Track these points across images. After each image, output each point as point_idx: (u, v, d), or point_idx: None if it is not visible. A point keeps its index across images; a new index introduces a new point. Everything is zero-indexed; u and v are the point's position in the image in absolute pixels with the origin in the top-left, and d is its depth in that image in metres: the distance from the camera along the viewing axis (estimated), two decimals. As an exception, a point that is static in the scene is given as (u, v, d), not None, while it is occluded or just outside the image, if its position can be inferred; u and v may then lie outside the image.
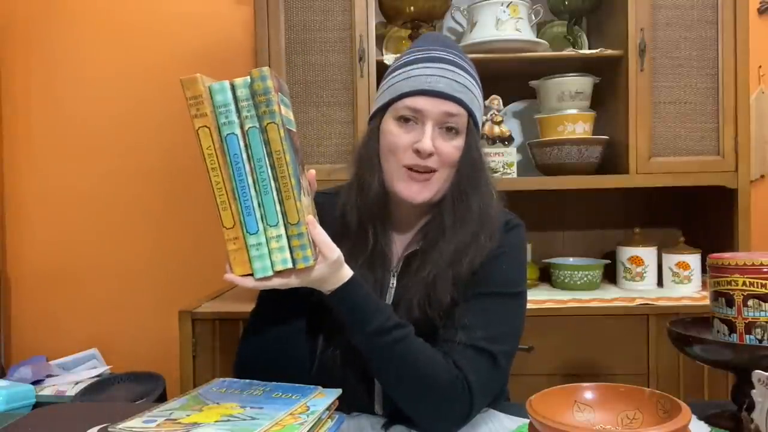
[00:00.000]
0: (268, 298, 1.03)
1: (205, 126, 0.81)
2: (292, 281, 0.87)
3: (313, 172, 0.97)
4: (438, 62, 1.02)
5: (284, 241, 0.84)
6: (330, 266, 0.88)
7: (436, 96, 1.00)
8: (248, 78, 0.82)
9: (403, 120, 1.01)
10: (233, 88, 0.82)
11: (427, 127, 0.99)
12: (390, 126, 1.02)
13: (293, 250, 0.84)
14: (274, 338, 1.01)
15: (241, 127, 0.83)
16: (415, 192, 1.01)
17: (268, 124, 0.82)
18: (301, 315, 1.01)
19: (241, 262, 0.84)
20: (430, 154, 0.99)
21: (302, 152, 0.98)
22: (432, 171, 1.01)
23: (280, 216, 0.83)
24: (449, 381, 0.92)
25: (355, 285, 0.93)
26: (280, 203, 0.83)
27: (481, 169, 1.05)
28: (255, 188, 0.83)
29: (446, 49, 1.05)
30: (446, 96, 1.00)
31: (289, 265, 0.84)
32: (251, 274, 0.85)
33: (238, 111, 0.82)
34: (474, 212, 1.02)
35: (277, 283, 0.86)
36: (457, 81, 1.01)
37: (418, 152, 0.99)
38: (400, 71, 1.04)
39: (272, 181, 0.83)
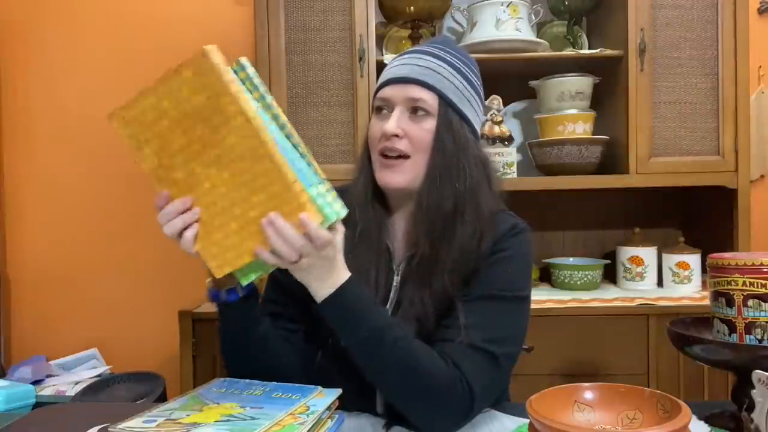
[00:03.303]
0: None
1: (241, 90, 0.80)
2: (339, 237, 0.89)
3: None
4: (408, 54, 1.07)
5: (334, 193, 0.87)
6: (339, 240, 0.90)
7: (400, 82, 1.03)
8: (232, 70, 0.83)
9: (378, 111, 1.06)
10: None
11: (394, 112, 1.03)
12: (371, 121, 1.08)
13: (336, 200, 0.87)
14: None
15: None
16: (388, 177, 1.03)
17: (270, 101, 0.85)
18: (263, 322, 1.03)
19: (317, 212, 0.83)
20: (396, 135, 1.01)
21: None
22: (405, 156, 1.02)
23: (316, 175, 0.86)
24: (448, 381, 0.91)
25: (353, 284, 0.92)
26: (310, 165, 0.86)
27: (459, 152, 1.03)
28: (289, 154, 0.84)
29: (425, 45, 1.09)
30: (409, 80, 1.03)
31: (346, 211, 0.88)
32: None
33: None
34: (448, 196, 1.01)
35: (327, 236, 0.86)
36: (420, 65, 1.03)
37: (384, 135, 1.02)
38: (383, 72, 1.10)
39: (297, 148, 0.86)
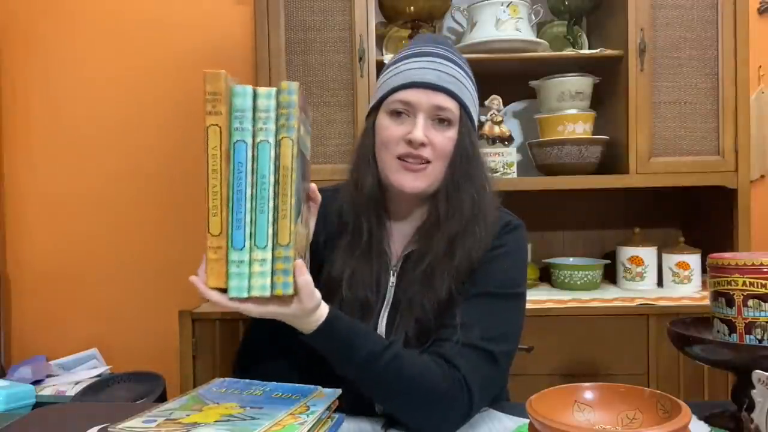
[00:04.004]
0: (259, 324, 1.02)
1: (217, 125, 0.78)
2: (264, 310, 0.82)
3: (313, 185, 0.92)
4: (427, 56, 1.05)
5: (268, 267, 0.79)
6: (305, 311, 0.85)
7: (426, 88, 1.01)
8: (273, 89, 0.79)
9: (396, 114, 1.03)
10: (255, 95, 0.79)
11: (419, 119, 1.01)
12: (383, 121, 1.05)
13: (275, 273, 0.79)
14: (269, 369, 1.02)
15: (253, 137, 0.79)
16: (408, 181, 1.02)
17: (283, 137, 0.79)
18: (293, 339, 0.98)
19: (218, 275, 0.79)
20: (423, 144, 1.00)
21: (308, 183, 0.93)
22: (426, 162, 1.02)
23: (270, 239, 0.79)
24: (447, 387, 0.91)
25: (334, 321, 0.89)
26: (273, 223, 0.79)
27: (474, 160, 1.05)
28: (251, 203, 0.79)
29: (436, 45, 1.08)
30: (436, 87, 1.01)
31: (267, 293, 0.79)
32: (222, 289, 0.79)
33: (254, 120, 0.78)
34: (467, 203, 1.02)
35: (247, 308, 0.80)
36: (446, 72, 1.03)
37: (410, 143, 1.01)
38: (391, 69, 1.07)
39: (271, 200, 0.79)
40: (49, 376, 2.25)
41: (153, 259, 2.45)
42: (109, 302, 2.47)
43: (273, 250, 0.79)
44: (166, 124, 2.42)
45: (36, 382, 2.18)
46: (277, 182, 0.79)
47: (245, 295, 0.79)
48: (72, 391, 2.11)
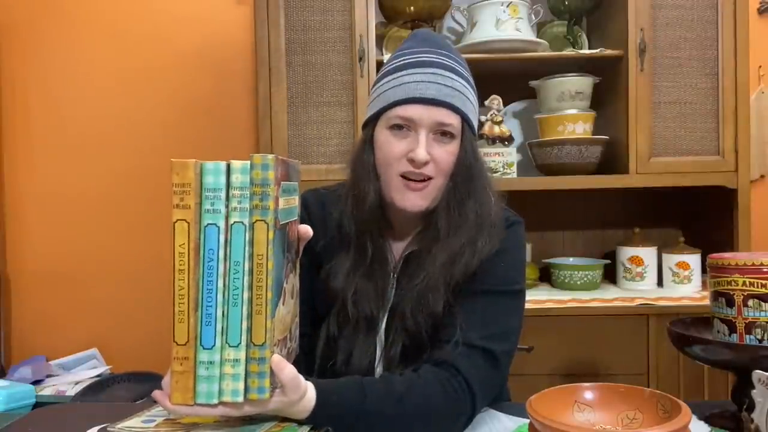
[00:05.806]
0: None
1: (185, 220, 0.69)
2: (239, 412, 0.74)
3: (304, 227, 0.86)
4: (427, 66, 1.01)
5: (241, 369, 0.71)
6: (290, 403, 0.79)
7: (428, 103, 0.99)
8: (248, 162, 0.71)
9: (396, 128, 1.01)
10: (229, 171, 0.71)
11: (421, 136, 0.99)
12: (383, 136, 1.02)
13: (249, 375, 0.71)
14: None
15: (226, 219, 0.71)
16: (412, 201, 1.01)
17: (256, 220, 0.70)
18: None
19: (184, 389, 0.70)
20: (426, 163, 0.99)
21: (296, 244, 0.85)
22: (428, 179, 1.00)
23: (244, 336, 0.71)
24: (452, 402, 0.91)
25: (326, 406, 0.83)
26: (248, 318, 0.71)
27: (478, 173, 1.04)
28: (224, 294, 0.71)
29: (436, 51, 1.04)
30: (438, 102, 0.99)
31: (240, 399, 0.71)
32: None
33: (227, 199, 0.71)
34: (470, 219, 1.01)
35: (220, 412, 0.73)
36: (447, 85, 1.00)
37: (412, 161, 0.99)
38: (389, 77, 1.03)
39: (245, 291, 0.71)
40: (49, 376, 2.25)
41: (153, 259, 2.45)
42: (109, 302, 2.47)
43: (247, 349, 0.71)
44: (166, 124, 2.42)
45: (36, 382, 2.18)
46: (250, 272, 0.71)
47: (215, 401, 0.71)
48: (72, 391, 2.11)
